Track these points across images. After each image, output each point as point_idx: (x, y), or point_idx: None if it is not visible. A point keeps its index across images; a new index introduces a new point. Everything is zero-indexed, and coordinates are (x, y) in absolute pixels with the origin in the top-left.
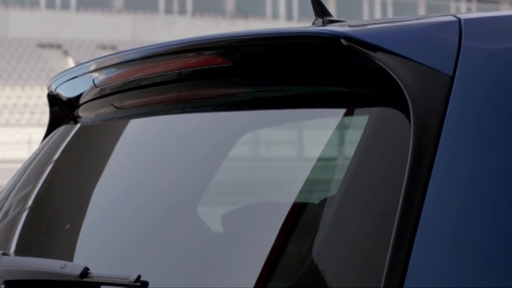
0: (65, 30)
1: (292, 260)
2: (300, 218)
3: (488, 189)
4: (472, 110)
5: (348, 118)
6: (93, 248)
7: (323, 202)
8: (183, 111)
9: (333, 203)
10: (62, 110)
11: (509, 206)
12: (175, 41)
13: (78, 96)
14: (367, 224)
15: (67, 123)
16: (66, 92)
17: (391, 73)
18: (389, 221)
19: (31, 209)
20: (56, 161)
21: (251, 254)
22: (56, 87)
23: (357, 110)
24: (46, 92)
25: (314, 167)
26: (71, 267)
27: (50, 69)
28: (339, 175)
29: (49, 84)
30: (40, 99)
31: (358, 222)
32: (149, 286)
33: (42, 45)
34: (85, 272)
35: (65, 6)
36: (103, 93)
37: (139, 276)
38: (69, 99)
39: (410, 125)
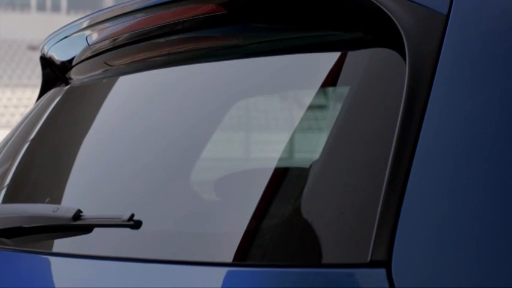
0: None
1: (284, 212)
2: (293, 169)
3: (485, 132)
4: (466, 50)
5: (342, 60)
6: (83, 198)
7: (315, 150)
8: (179, 66)
9: (324, 150)
10: (54, 72)
11: (506, 146)
12: None
13: (71, 56)
14: (358, 170)
15: (59, 84)
16: (59, 53)
17: (388, 13)
18: (382, 167)
19: (20, 163)
20: (48, 118)
21: (242, 208)
22: (49, 49)
23: (351, 52)
24: (37, 93)
25: (307, 112)
26: (64, 211)
27: (40, 72)
28: (332, 120)
29: (41, 46)
30: (30, 101)
31: (350, 169)
32: (142, 226)
33: (32, 48)
34: (78, 214)
35: (56, 8)
36: (95, 52)
37: (132, 215)
38: (62, 60)
39: (405, 65)
